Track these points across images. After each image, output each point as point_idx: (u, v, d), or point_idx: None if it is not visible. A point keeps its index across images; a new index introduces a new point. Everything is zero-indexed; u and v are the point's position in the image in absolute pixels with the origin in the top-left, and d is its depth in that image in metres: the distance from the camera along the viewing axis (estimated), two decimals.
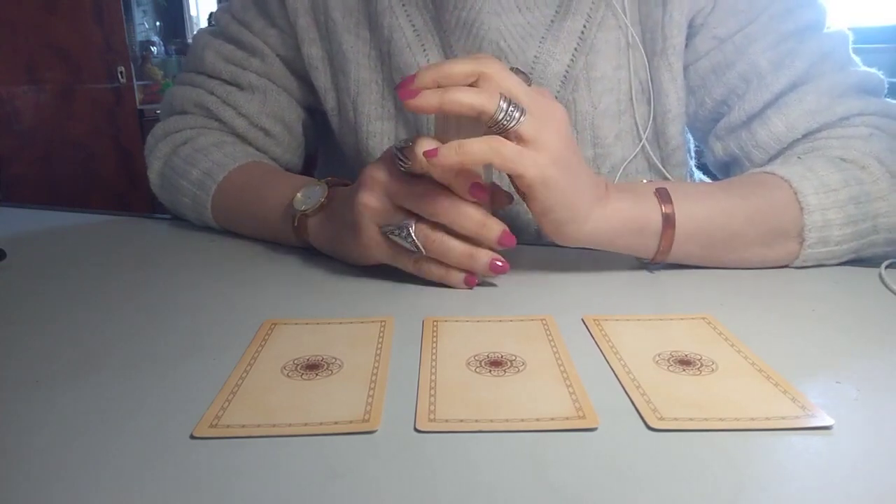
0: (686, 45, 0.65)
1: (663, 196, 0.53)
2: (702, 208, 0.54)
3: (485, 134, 0.47)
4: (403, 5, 0.67)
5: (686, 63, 0.66)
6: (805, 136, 0.61)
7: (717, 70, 0.65)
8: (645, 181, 0.59)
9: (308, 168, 0.83)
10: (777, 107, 0.62)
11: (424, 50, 0.67)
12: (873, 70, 0.63)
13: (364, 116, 0.71)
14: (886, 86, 0.63)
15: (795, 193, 0.54)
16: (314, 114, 0.79)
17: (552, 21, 0.65)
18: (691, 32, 0.65)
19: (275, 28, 0.73)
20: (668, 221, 0.52)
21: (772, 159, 0.63)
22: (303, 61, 0.73)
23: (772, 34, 0.62)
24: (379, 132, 0.71)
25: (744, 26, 0.63)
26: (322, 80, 0.73)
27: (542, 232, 0.53)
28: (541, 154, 0.47)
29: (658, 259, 0.54)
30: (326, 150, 0.86)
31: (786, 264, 0.56)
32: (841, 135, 0.60)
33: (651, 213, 0.52)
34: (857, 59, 0.63)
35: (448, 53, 0.67)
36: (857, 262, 0.58)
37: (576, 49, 0.65)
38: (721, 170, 0.69)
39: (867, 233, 0.56)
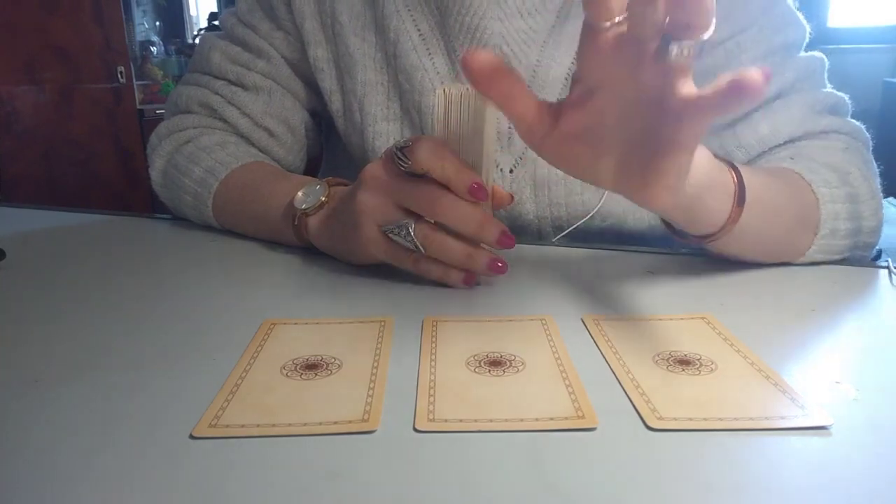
0: None
1: (728, 163, 0.49)
2: (756, 180, 0.50)
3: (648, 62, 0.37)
4: (409, 10, 0.69)
5: None
6: (787, 141, 0.63)
7: (707, 72, 0.65)
8: None
9: (310, 172, 0.83)
10: (764, 111, 0.64)
11: (430, 53, 0.68)
12: (844, 95, 0.66)
13: (370, 117, 0.71)
14: (851, 110, 0.66)
15: (809, 184, 0.56)
16: (318, 117, 0.80)
17: (553, 26, 0.66)
18: None
19: (281, 31, 0.74)
20: (741, 187, 0.48)
21: (752, 161, 0.64)
22: (308, 64, 0.73)
23: (762, 45, 0.64)
24: (385, 132, 0.72)
25: (736, 33, 0.65)
26: (328, 81, 0.73)
27: (644, 194, 0.41)
28: None
29: (722, 232, 0.49)
30: (329, 153, 0.87)
31: (797, 257, 0.57)
32: (821, 145, 0.62)
33: (726, 174, 0.48)
34: (829, 84, 0.66)
35: (452, 57, 0.68)
36: (858, 261, 0.58)
37: (576, 52, 0.66)
38: None
39: (857, 231, 0.57)
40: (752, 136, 0.63)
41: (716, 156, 0.49)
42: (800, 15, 0.66)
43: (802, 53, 0.66)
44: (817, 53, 0.66)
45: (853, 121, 0.65)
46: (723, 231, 0.49)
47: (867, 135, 0.65)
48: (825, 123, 0.63)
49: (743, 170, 0.50)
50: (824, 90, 0.65)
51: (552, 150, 0.43)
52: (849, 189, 0.57)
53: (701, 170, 0.44)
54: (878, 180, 0.61)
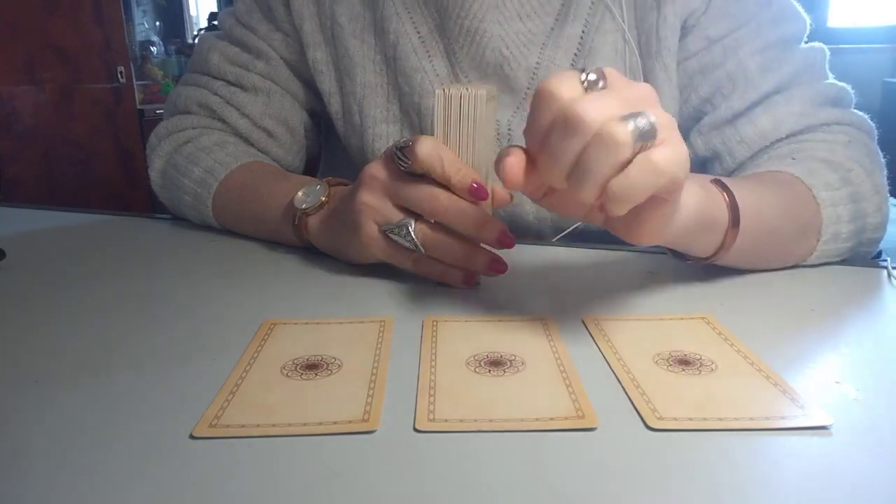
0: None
1: (722, 187, 0.49)
2: (752, 200, 0.51)
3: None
4: (409, 12, 0.68)
5: (676, 61, 0.66)
6: (788, 136, 0.63)
7: (706, 69, 0.66)
8: None
9: (309, 171, 0.83)
10: (764, 106, 0.63)
11: (429, 56, 0.68)
12: (846, 85, 0.65)
13: (370, 119, 0.71)
14: (855, 100, 0.66)
15: (809, 189, 0.56)
16: (317, 117, 0.80)
17: (552, 28, 0.66)
18: (683, 32, 0.66)
19: (279, 32, 0.74)
20: (734, 214, 0.48)
21: (754, 156, 0.64)
22: (307, 65, 0.73)
23: (760, 40, 0.64)
24: (384, 134, 0.72)
25: (734, 30, 0.64)
26: (327, 83, 0.73)
27: (634, 237, 0.42)
28: (676, 140, 0.38)
29: (717, 257, 0.50)
30: (328, 153, 0.87)
31: (800, 262, 0.57)
32: (823, 139, 0.62)
33: (719, 202, 0.48)
34: (831, 74, 0.66)
35: (452, 60, 0.68)
36: (858, 261, 0.58)
37: (575, 54, 0.66)
38: (697, 167, 0.70)
39: (860, 231, 0.57)
40: (753, 132, 0.63)
41: (712, 179, 0.49)
42: (799, 7, 0.66)
43: (803, 45, 0.65)
44: (817, 44, 0.66)
45: (856, 111, 0.65)
46: (717, 256, 0.50)
47: (871, 124, 0.64)
48: (826, 116, 0.63)
49: (737, 189, 0.50)
50: (826, 82, 0.64)
51: (544, 198, 0.44)
52: (850, 189, 0.57)
53: (689, 211, 0.44)
54: (883, 172, 0.60)
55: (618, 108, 0.36)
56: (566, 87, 0.37)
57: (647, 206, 0.39)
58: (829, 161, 0.58)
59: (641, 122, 0.35)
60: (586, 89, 0.37)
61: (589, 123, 0.35)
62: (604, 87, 0.38)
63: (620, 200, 0.36)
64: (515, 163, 0.39)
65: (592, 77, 0.37)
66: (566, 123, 0.36)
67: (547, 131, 0.37)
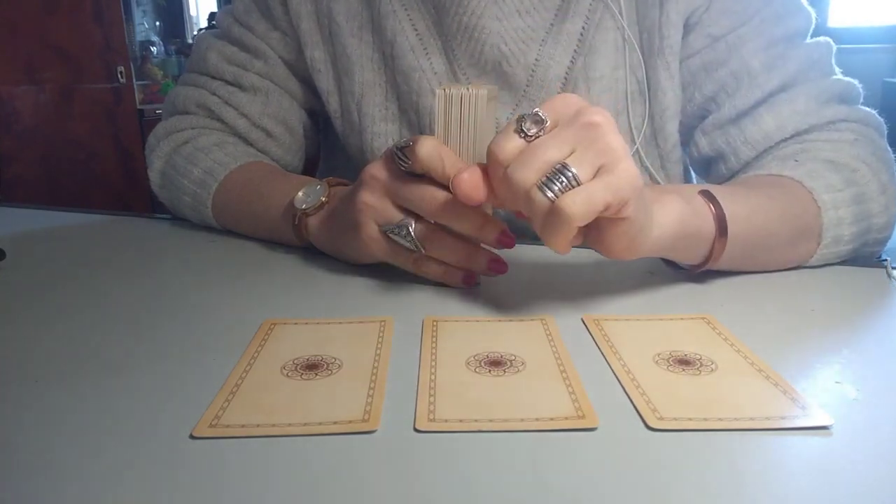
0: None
1: (709, 198, 0.50)
2: (743, 208, 0.51)
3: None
4: (406, 9, 0.68)
5: (679, 59, 0.66)
6: (793, 135, 0.62)
7: (709, 67, 0.65)
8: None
9: (308, 170, 0.83)
10: (768, 105, 0.63)
11: (427, 53, 0.68)
12: (853, 80, 0.64)
13: (369, 118, 0.71)
14: (863, 95, 0.65)
15: (810, 192, 0.55)
16: (315, 116, 0.80)
17: (552, 24, 0.66)
18: (686, 30, 0.65)
19: (277, 31, 0.73)
20: (721, 224, 0.49)
21: (759, 157, 0.64)
22: (305, 64, 0.73)
23: (763, 37, 0.63)
24: (383, 133, 0.71)
25: (737, 27, 0.64)
26: (325, 82, 0.73)
27: (608, 254, 0.45)
28: (624, 163, 0.41)
29: (707, 265, 0.51)
30: (327, 152, 0.87)
31: (801, 264, 0.57)
32: (828, 138, 0.61)
33: (704, 214, 0.49)
34: (838, 69, 0.65)
35: (450, 57, 0.68)
36: (857, 261, 0.58)
37: (575, 51, 0.66)
38: (702, 166, 0.70)
39: (865, 232, 0.57)
40: (758, 133, 0.63)
41: (700, 191, 0.50)
42: (803, 2, 0.65)
43: (809, 40, 0.65)
44: (823, 39, 0.65)
45: (863, 107, 0.64)
46: (707, 264, 0.51)
47: (879, 119, 0.64)
48: (832, 113, 0.62)
49: (727, 199, 0.50)
50: (831, 78, 0.64)
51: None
52: (855, 189, 0.56)
53: (669, 225, 0.46)
54: (891, 170, 0.60)
55: (544, 167, 0.40)
56: (507, 147, 0.42)
57: (605, 228, 0.43)
58: (834, 162, 0.58)
59: (556, 186, 0.40)
60: (527, 139, 0.42)
61: (518, 186, 0.41)
62: (542, 133, 0.42)
63: (554, 232, 0.41)
64: (470, 178, 0.44)
65: (531, 130, 0.42)
66: (503, 182, 0.42)
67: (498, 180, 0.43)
